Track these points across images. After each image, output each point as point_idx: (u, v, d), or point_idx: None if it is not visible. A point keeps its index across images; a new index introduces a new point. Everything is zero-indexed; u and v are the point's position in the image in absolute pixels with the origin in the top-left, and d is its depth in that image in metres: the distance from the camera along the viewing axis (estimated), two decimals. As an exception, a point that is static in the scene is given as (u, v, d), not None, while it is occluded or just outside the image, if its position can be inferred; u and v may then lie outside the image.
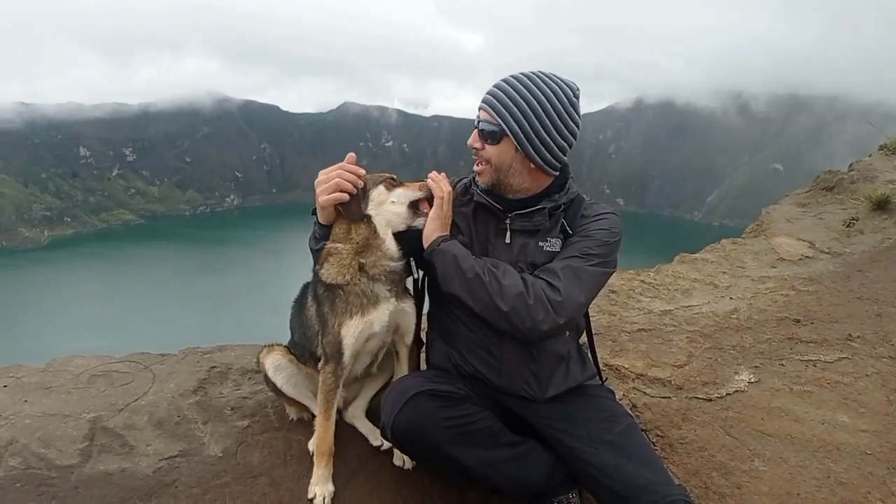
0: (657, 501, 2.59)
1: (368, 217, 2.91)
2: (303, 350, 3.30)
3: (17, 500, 2.82)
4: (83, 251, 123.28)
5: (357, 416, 3.44)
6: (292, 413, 3.42)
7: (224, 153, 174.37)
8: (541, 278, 2.79)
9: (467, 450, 2.80)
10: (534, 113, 2.81)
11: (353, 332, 2.92)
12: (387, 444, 3.25)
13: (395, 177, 2.96)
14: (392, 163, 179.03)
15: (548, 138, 2.85)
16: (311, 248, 3.10)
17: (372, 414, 3.44)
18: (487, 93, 2.90)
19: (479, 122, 2.92)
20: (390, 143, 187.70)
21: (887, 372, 4.39)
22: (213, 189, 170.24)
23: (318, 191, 2.88)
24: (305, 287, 3.25)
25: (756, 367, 4.46)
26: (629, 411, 3.87)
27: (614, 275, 5.77)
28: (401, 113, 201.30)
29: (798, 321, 5.03)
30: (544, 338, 2.85)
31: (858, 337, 4.80)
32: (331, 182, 2.84)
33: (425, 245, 2.89)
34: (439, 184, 2.89)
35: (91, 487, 2.93)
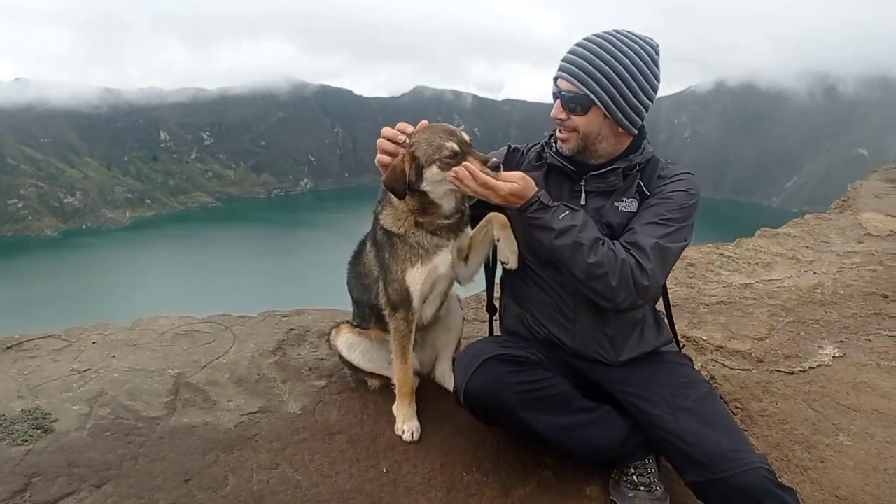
0: (736, 468, 2.53)
1: (423, 191, 2.84)
2: (363, 308, 3.33)
3: (107, 446, 2.93)
4: (163, 232, 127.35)
5: (447, 379, 3.45)
6: (374, 384, 3.45)
7: (298, 137, 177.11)
8: (631, 254, 2.72)
9: (539, 415, 2.78)
10: (620, 78, 2.74)
11: (419, 278, 2.94)
12: None
13: (456, 149, 2.71)
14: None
15: (636, 101, 2.80)
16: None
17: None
18: (566, 60, 2.82)
19: (560, 92, 2.84)
20: (462, 127, 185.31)
21: (983, 351, 4.17)
22: (287, 172, 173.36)
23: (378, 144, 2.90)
24: (361, 244, 3.28)
25: (841, 341, 4.31)
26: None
27: (692, 247, 5.69)
28: (474, 97, 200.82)
29: (886, 297, 4.84)
30: (622, 313, 2.88)
31: (952, 314, 4.58)
32: (382, 145, 2.87)
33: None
34: (466, 182, 2.70)
35: (176, 438, 3.02)
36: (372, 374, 3.40)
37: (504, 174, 2.70)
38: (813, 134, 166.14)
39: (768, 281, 5.09)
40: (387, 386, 3.39)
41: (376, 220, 3.04)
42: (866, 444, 3.39)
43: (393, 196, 2.87)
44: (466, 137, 2.78)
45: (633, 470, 2.94)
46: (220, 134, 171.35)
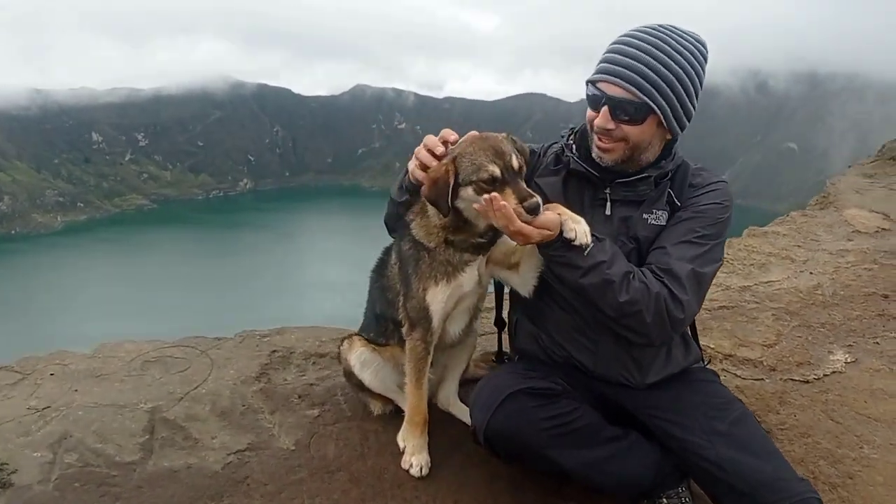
0: (784, 499, 2.35)
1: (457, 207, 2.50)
2: (384, 323, 2.99)
3: (78, 501, 2.56)
4: (97, 236, 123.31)
5: (452, 402, 3.20)
6: (376, 408, 3.15)
7: (236, 137, 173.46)
8: (664, 284, 2.46)
9: (568, 451, 2.55)
10: (680, 83, 2.48)
11: (441, 297, 2.64)
12: None
13: (497, 175, 2.35)
14: (405, 145, 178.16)
15: (690, 107, 2.56)
16: (392, 198, 2.80)
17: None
18: (617, 63, 2.48)
19: (609, 98, 2.50)
20: (403, 126, 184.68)
21: None
22: (225, 173, 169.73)
23: (414, 158, 2.59)
24: (386, 251, 2.95)
25: (850, 345, 4.17)
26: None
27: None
28: (415, 95, 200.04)
29: (887, 296, 4.73)
30: (654, 346, 2.69)
31: (953, 313, 4.48)
32: (420, 156, 2.55)
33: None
34: (496, 217, 2.32)
35: (156, 486, 2.67)
36: (378, 397, 3.10)
37: (541, 219, 2.33)
38: (745, 128, 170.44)
39: (767, 283, 4.92)
40: (388, 412, 3.13)
41: (407, 228, 2.70)
42: (893, 457, 3.23)
43: (429, 207, 2.55)
44: (515, 163, 2.39)
45: (665, 500, 2.73)
46: (156, 134, 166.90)
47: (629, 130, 2.52)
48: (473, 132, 2.52)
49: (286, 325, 4.08)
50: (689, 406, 2.67)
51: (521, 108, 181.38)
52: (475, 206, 2.39)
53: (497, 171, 2.35)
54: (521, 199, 2.31)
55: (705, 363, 3.09)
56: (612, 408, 2.79)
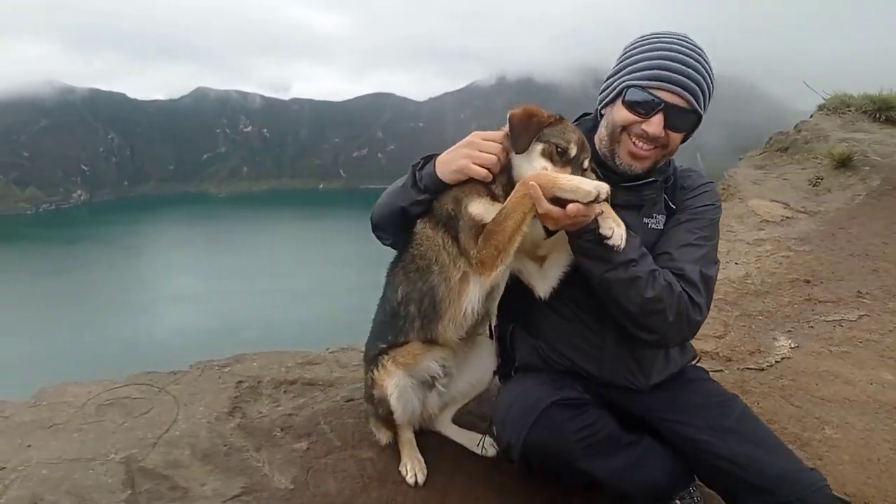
0: (804, 491, 2.39)
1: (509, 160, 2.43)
2: (403, 313, 2.67)
3: (74, 576, 2.20)
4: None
5: (447, 424, 3.05)
6: (385, 438, 2.92)
7: (67, 146, 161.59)
8: (683, 289, 2.46)
9: (598, 461, 2.50)
10: (711, 97, 2.54)
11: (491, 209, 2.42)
12: (490, 451, 2.92)
13: (572, 152, 2.34)
14: (252, 149, 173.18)
15: None
16: (398, 203, 2.59)
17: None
18: (674, 71, 2.43)
19: (666, 105, 2.44)
20: (249, 129, 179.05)
21: (908, 326, 4.40)
22: (56, 185, 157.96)
23: (467, 152, 2.44)
24: (403, 250, 2.70)
25: (789, 331, 4.38)
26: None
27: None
28: (262, 97, 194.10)
29: (808, 281, 5.01)
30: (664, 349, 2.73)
31: (867, 293, 4.82)
32: (487, 157, 2.42)
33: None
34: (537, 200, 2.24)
35: (158, 546, 2.35)
36: (392, 428, 2.85)
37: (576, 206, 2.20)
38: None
39: (700, 274, 5.09)
40: (369, 438, 2.99)
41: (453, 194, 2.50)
42: (852, 435, 3.41)
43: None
44: (585, 164, 2.40)
45: (678, 502, 2.72)
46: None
47: (674, 138, 2.52)
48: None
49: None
50: (694, 406, 2.68)
51: (371, 108, 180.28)
52: (529, 180, 2.26)
53: (572, 151, 2.35)
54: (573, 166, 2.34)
55: (697, 360, 3.12)
56: (618, 413, 2.74)
